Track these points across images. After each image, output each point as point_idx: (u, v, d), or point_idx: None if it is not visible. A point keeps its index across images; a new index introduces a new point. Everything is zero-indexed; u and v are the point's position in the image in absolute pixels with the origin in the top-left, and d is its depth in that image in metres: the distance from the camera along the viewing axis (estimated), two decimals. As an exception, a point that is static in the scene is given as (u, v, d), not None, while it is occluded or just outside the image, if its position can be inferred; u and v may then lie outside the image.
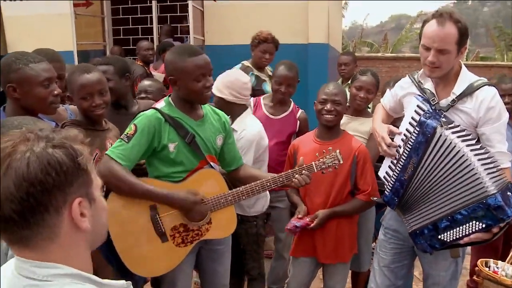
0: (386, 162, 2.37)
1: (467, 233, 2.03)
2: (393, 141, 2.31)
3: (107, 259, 2.21)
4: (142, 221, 2.20)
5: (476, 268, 2.72)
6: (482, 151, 2.04)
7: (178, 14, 6.99)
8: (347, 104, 2.82)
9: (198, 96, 2.24)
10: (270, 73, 4.05)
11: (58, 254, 0.95)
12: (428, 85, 2.29)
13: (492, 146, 2.14)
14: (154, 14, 6.46)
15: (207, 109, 2.40)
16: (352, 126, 3.04)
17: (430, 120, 2.09)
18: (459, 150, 2.01)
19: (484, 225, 1.98)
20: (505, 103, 2.57)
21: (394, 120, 2.62)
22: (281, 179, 2.32)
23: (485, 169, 1.98)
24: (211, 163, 2.35)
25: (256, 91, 3.71)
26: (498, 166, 2.04)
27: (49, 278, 0.92)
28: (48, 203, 0.90)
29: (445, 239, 2.10)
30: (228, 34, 6.20)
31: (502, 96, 2.34)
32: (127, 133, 2.15)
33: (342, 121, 3.00)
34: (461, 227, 2.04)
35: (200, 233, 2.30)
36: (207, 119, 2.36)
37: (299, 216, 2.62)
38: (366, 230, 3.06)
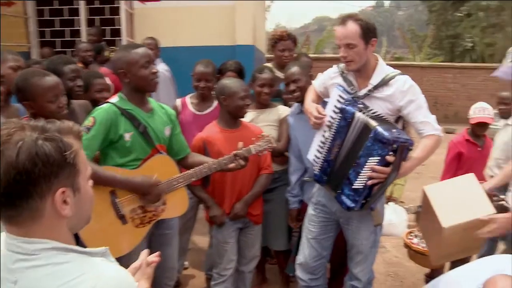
0: (314, 146, 2.68)
1: (369, 171, 2.35)
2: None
3: None
4: (103, 205, 2.40)
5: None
6: (386, 118, 2.45)
7: (108, 16, 6.99)
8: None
9: (148, 82, 2.48)
10: None
11: (41, 233, 1.04)
12: (351, 77, 2.63)
13: (416, 120, 2.50)
14: (83, 16, 6.44)
15: (154, 104, 2.64)
16: (262, 118, 3.35)
17: (349, 107, 2.46)
18: (367, 124, 2.37)
19: (378, 157, 2.34)
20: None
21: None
22: (224, 161, 2.61)
23: (375, 121, 2.36)
24: (161, 151, 2.60)
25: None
26: (391, 122, 2.45)
27: (36, 252, 1.02)
28: (32, 190, 0.99)
29: (358, 186, 2.41)
30: (157, 37, 6.32)
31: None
32: (86, 125, 2.35)
33: (251, 117, 3.30)
34: (364, 168, 2.37)
35: (157, 214, 2.55)
36: (156, 112, 2.60)
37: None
38: (281, 214, 3.37)
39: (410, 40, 20.72)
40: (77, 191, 1.08)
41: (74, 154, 1.05)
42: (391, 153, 2.31)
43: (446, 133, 12.38)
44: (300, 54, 4.81)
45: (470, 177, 2.64)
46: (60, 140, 1.02)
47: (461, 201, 2.52)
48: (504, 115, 4.10)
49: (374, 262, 2.81)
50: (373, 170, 2.34)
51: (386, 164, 2.34)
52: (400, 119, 2.62)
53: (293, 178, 3.22)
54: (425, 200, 2.68)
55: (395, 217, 4.62)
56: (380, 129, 2.31)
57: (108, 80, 4.33)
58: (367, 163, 2.36)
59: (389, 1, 67.39)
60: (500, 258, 2.21)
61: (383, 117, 2.47)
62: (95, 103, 3.00)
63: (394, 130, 2.36)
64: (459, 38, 22.12)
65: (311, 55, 14.20)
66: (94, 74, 3.40)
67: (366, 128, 2.38)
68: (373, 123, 2.35)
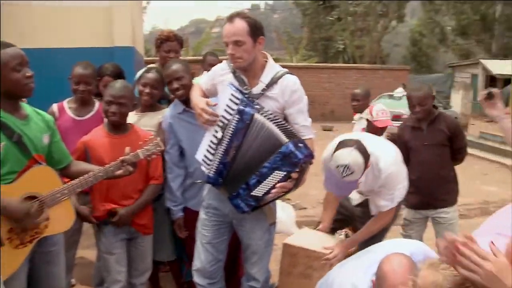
0: (204, 146, 2.60)
1: (273, 183, 2.39)
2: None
3: None
4: None
5: None
6: (283, 123, 2.48)
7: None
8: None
9: (21, 87, 2.23)
10: None
11: None
12: (242, 75, 2.58)
13: (297, 123, 2.57)
14: None
15: (29, 110, 2.39)
16: (143, 122, 3.18)
17: (248, 109, 2.43)
18: (268, 128, 2.40)
19: (285, 173, 2.38)
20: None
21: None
22: (111, 168, 2.44)
23: (282, 131, 2.40)
24: (40, 162, 2.35)
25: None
26: (291, 129, 2.48)
27: None
28: None
29: (258, 194, 2.44)
30: (27, 37, 5.83)
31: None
32: None
33: (133, 120, 3.12)
34: (267, 179, 2.40)
35: (39, 231, 2.30)
36: (31, 118, 2.35)
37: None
38: (164, 224, 3.24)
39: (286, 42, 21.65)
40: None
41: None
42: (297, 169, 2.37)
43: (324, 130, 13.12)
44: (207, 53, 4.83)
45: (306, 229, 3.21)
46: None
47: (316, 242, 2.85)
48: (357, 110, 4.48)
49: (269, 261, 2.84)
50: (277, 185, 2.39)
51: (289, 177, 2.40)
52: None
53: (174, 185, 3.06)
54: (292, 250, 2.80)
55: (283, 214, 4.78)
56: (292, 147, 2.33)
57: None
58: (272, 176, 2.40)
59: (265, 2, 69.82)
60: (392, 241, 2.37)
61: (282, 122, 2.48)
62: None
63: (301, 145, 2.40)
64: (331, 40, 23.69)
65: (189, 58, 14.22)
66: None
67: (276, 141, 2.39)
68: (283, 137, 2.37)
